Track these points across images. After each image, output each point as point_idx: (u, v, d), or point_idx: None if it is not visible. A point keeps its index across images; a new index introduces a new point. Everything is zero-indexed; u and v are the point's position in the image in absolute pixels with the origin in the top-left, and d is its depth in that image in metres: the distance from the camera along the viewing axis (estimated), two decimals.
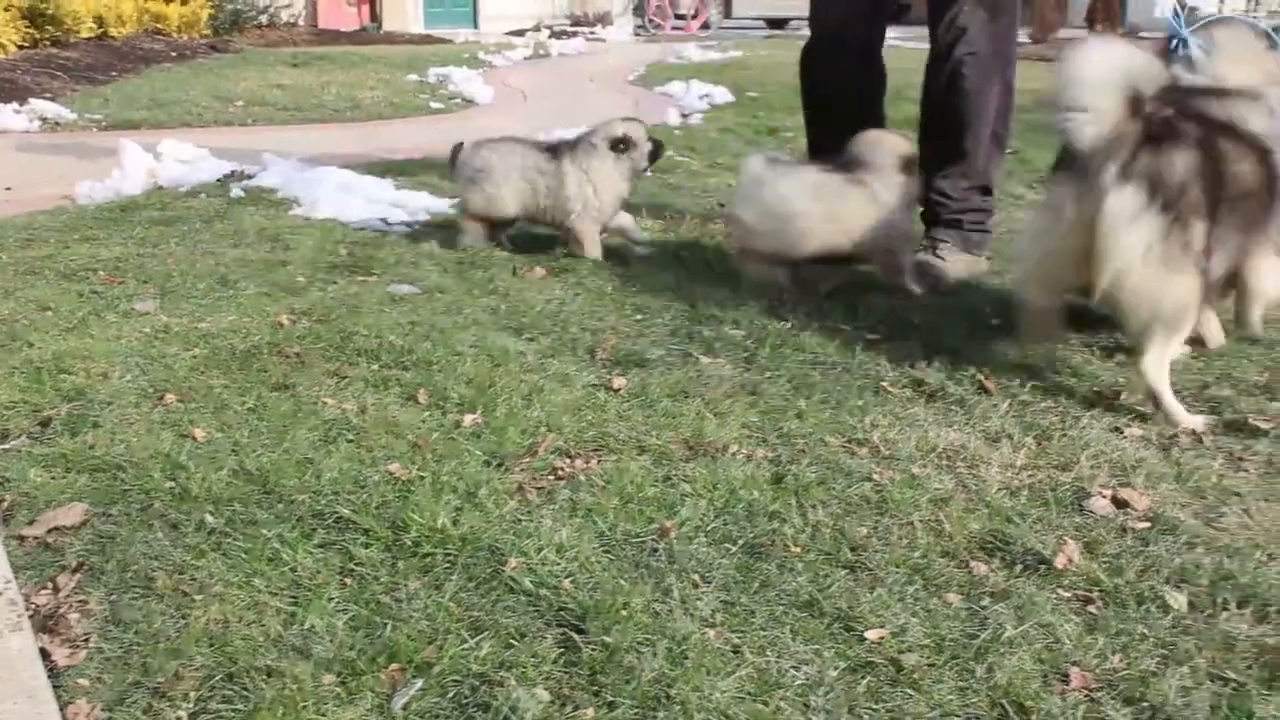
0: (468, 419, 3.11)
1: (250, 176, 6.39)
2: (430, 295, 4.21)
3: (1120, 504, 2.81)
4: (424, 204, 5.73)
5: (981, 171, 4.96)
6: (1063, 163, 3.51)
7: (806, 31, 5.27)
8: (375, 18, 22.22)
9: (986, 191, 5.04)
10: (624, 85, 12.63)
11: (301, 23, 20.93)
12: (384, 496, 2.68)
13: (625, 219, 4.98)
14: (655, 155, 4.98)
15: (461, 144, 4.98)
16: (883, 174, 4.33)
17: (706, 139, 8.34)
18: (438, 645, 2.13)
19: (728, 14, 27.11)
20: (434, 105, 10.40)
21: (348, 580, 2.37)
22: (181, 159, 6.72)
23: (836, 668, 2.10)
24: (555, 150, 4.92)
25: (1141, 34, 22.75)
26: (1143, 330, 3.34)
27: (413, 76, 12.40)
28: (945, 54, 4.84)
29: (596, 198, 4.78)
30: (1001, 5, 4.79)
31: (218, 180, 6.40)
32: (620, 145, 4.81)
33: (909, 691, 2.05)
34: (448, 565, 2.41)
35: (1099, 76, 3.24)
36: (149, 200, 5.94)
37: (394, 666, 2.08)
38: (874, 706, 2.01)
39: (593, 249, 4.83)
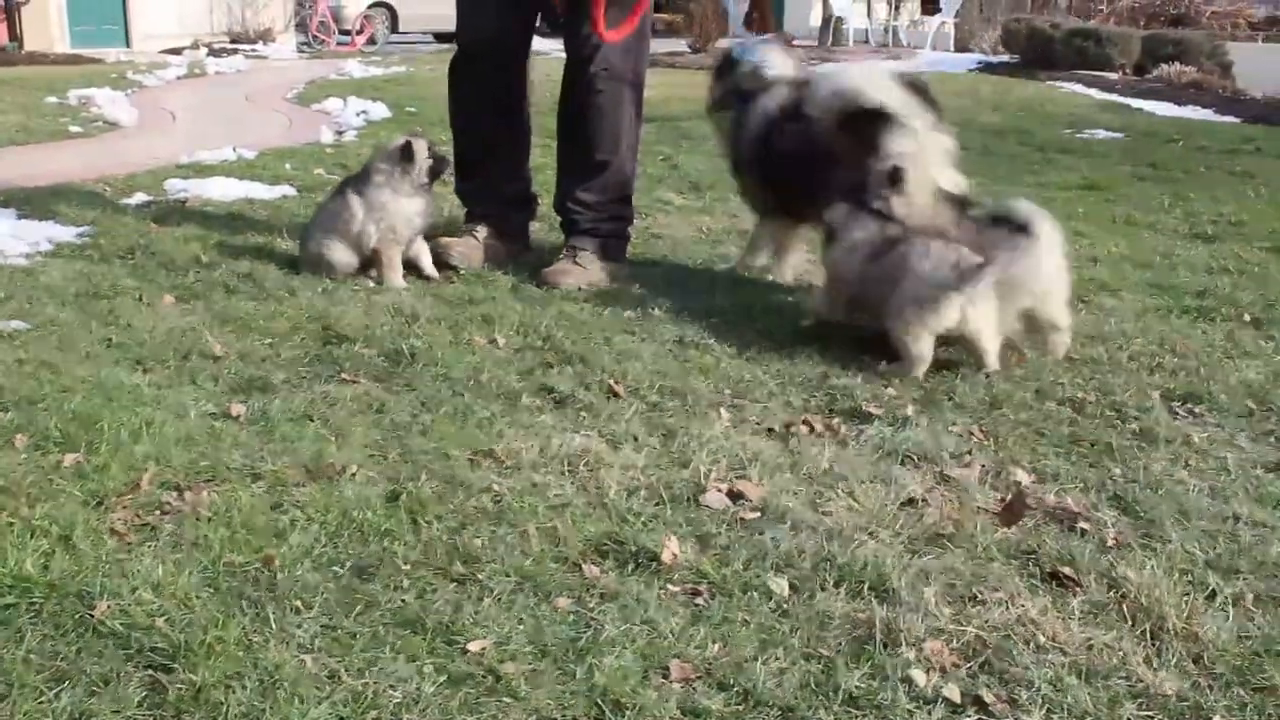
0: (69, 458, 2.93)
1: None
2: (43, 330, 3.95)
3: (735, 496, 2.91)
4: (47, 234, 5.36)
5: (620, 182, 5.07)
6: None
7: None
8: (15, 37, 20.79)
9: (626, 200, 5.16)
10: (280, 103, 12.25)
11: None
12: None
13: (420, 247, 4.83)
14: (436, 171, 4.81)
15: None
16: None
17: (358, 156, 8.20)
18: (11, 702, 2.01)
19: (394, 29, 26.76)
20: (74, 129, 9.80)
21: None
22: None
23: (435, 683, 2.09)
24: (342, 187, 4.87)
25: (794, 41, 23.93)
26: None
27: (52, 99, 11.66)
28: (581, 68, 4.91)
29: (386, 223, 4.67)
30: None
31: None
32: (404, 156, 4.69)
33: (506, 699, 2.06)
34: (32, 615, 2.27)
35: None
36: None
37: None
38: (469, 718, 2.01)
39: (393, 275, 4.71)
